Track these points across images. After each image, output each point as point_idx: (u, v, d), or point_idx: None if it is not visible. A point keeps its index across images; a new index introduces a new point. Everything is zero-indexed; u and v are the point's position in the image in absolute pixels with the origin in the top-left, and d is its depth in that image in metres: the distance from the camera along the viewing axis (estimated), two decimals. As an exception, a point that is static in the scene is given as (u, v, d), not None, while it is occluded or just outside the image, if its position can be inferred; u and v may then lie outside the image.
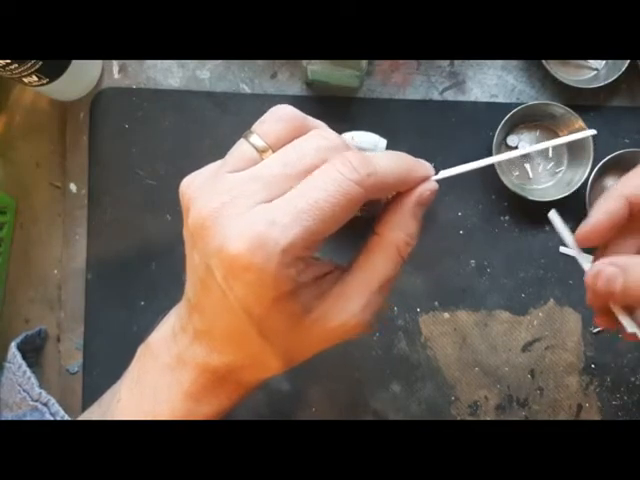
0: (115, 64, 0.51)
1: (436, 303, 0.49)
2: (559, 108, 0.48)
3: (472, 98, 0.51)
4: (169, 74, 0.51)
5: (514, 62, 0.51)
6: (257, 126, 0.28)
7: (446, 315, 0.49)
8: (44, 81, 0.45)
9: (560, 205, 0.48)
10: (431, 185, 0.29)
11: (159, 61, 0.51)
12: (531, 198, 0.48)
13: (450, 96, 0.51)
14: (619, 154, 0.48)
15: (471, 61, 0.51)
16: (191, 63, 0.51)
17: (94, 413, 0.35)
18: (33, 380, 0.42)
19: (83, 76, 0.49)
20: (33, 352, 0.48)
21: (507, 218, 0.50)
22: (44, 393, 0.41)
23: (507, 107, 0.48)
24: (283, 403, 0.48)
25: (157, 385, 0.30)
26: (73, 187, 0.50)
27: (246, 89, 0.51)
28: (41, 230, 0.51)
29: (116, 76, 0.51)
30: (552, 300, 0.49)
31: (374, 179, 0.26)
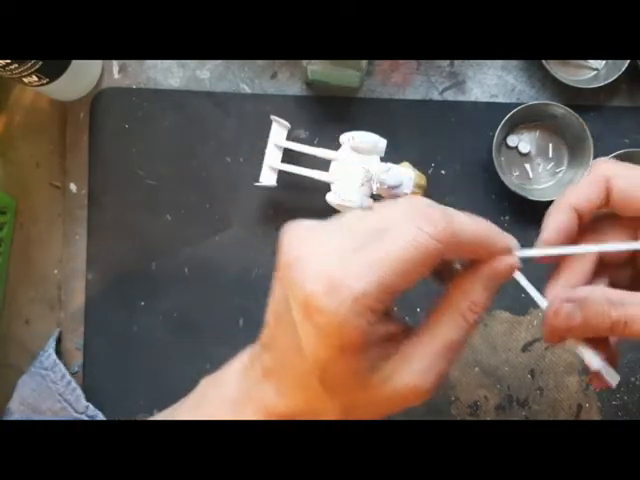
0: (115, 64, 0.51)
1: (436, 303, 0.49)
2: (559, 108, 0.48)
3: (472, 98, 0.51)
4: (169, 74, 0.51)
5: (514, 62, 0.51)
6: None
7: (446, 315, 0.49)
8: (44, 81, 0.45)
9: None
10: (510, 259, 0.29)
11: (159, 61, 0.51)
12: (531, 198, 0.48)
13: (450, 96, 0.51)
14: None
15: (471, 61, 0.51)
16: (191, 63, 0.51)
17: None
18: (79, 392, 0.42)
19: (83, 76, 0.49)
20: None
21: (507, 218, 0.50)
22: (92, 407, 0.41)
23: (507, 107, 0.48)
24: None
25: (217, 415, 0.30)
26: (73, 187, 0.50)
27: (246, 89, 0.51)
28: (41, 230, 0.51)
29: (116, 76, 0.51)
30: (552, 300, 0.49)
31: (451, 234, 0.26)
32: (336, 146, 0.46)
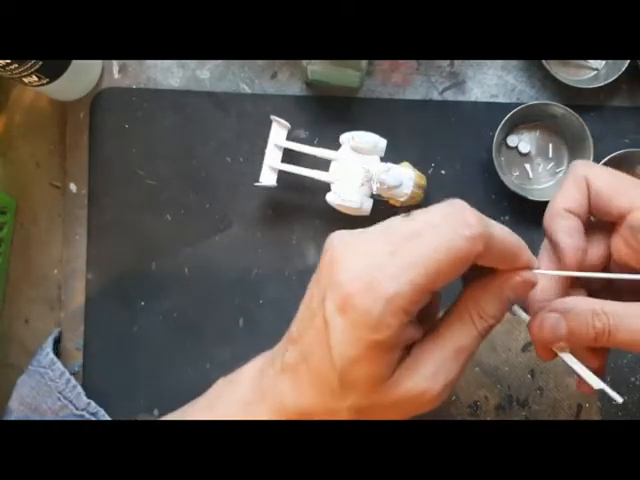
0: (115, 64, 0.51)
1: (436, 303, 0.49)
2: (559, 108, 0.48)
3: (472, 98, 0.51)
4: (169, 74, 0.51)
5: (514, 62, 0.51)
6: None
7: (446, 315, 0.49)
8: (44, 81, 0.45)
9: (560, 205, 0.49)
10: (529, 274, 0.29)
11: (159, 61, 0.51)
12: (531, 198, 0.48)
13: (450, 96, 0.51)
14: (619, 154, 0.48)
15: (471, 61, 0.51)
16: (191, 63, 0.51)
17: None
18: (79, 389, 0.41)
19: (83, 76, 0.49)
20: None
21: (507, 218, 0.50)
22: (93, 404, 0.41)
23: (507, 107, 0.48)
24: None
25: (230, 415, 0.30)
26: (73, 187, 0.50)
27: (246, 89, 0.51)
28: (41, 230, 0.51)
29: (116, 76, 0.51)
30: (552, 300, 0.49)
31: (486, 238, 0.26)
32: (336, 146, 0.46)
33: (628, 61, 0.48)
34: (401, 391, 0.27)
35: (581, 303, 0.29)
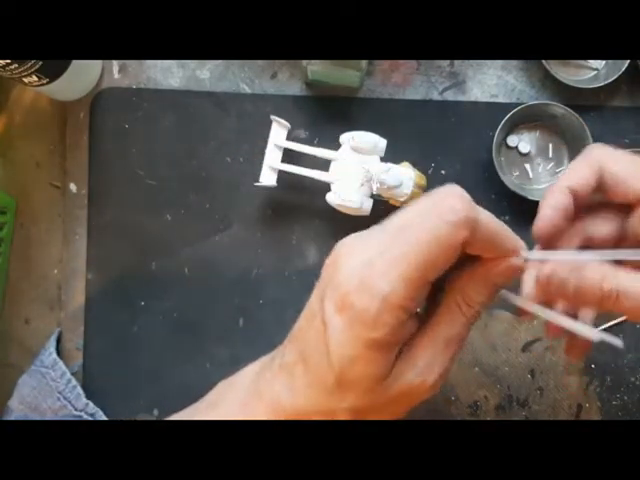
0: (115, 64, 0.51)
1: (436, 303, 0.49)
2: (559, 108, 0.48)
3: (472, 98, 0.51)
4: (169, 74, 0.51)
5: (514, 62, 0.51)
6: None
7: (446, 315, 0.49)
8: (44, 81, 0.45)
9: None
10: (516, 260, 0.29)
11: (159, 61, 0.51)
12: (531, 198, 0.48)
13: (450, 96, 0.51)
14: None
15: (471, 61, 0.51)
16: (191, 63, 0.51)
17: None
18: (79, 390, 0.42)
19: (83, 76, 0.49)
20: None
21: (507, 218, 0.50)
22: (91, 404, 0.41)
23: (507, 107, 0.48)
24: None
25: (228, 416, 0.30)
26: (73, 187, 0.50)
27: (246, 89, 0.51)
28: (41, 230, 0.51)
29: (116, 76, 0.51)
30: (552, 300, 0.49)
31: (471, 224, 0.26)
32: (336, 146, 0.46)
33: (628, 61, 0.48)
34: (397, 389, 0.27)
35: (594, 264, 0.28)
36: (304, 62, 0.46)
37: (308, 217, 0.49)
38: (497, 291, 0.30)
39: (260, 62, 0.51)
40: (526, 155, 0.51)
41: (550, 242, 0.31)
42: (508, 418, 0.49)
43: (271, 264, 0.49)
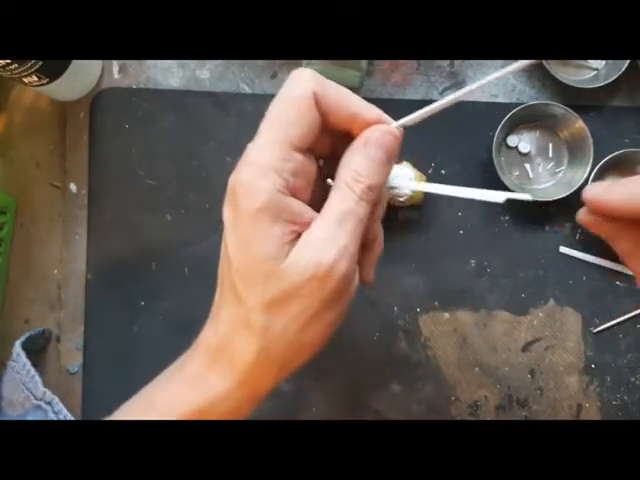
0: (115, 64, 0.51)
1: (436, 303, 0.49)
2: (559, 108, 0.48)
3: (472, 98, 0.51)
4: (169, 74, 0.51)
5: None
6: None
7: (446, 315, 0.49)
8: (44, 81, 0.45)
9: (560, 205, 0.49)
10: (384, 127, 0.30)
11: (159, 61, 0.51)
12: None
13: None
14: (619, 154, 0.48)
15: (471, 61, 0.51)
16: (191, 63, 0.51)
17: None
18: (37, 379, 0.42)
19: (83, 76, 0.49)
20: (37, 352, 0.48)
21: (507, 218, 0.50)
22: (48, 392, 0.41)
23: (507, 107, 0.48)
24: (283, 403, 0.48)
25: (172, 369, 0.33)
26: (73, 187, 0.50)
27: (246, 89, 0.51)
28: (41, 230, 0.51)
29: (116, 76, 0.51)
30: (552, 300, 0.49)
31: (318, 81, 0.28)
32: (336, 146, 0.46)
33: (628, 61, 0.48)
34: (297, 269, 0.27)
35: None
36: (304, 62, 0.46)
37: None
38: (384, 166, 0.30)
39: (260, 62, 0.51)
40: (526, 155, 0.51)
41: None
42: (508, 418, 0.49)
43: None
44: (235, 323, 0.29)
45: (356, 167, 0.29)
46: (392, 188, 0.45)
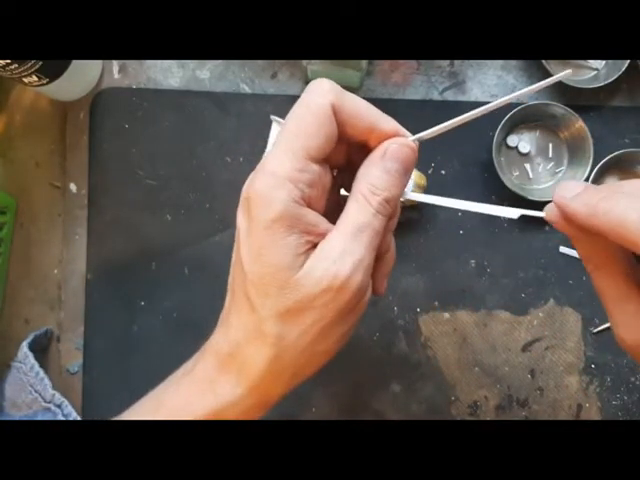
0: (115, 64, 0.51)
1: (436, 303, 0.49)
2: (559, 108, 0.48)
3: (472, 98, 0.51)
4: (169, 74, 0.51)
5: (514, 62, 0.51)
6: None
7: (446, 315, 0.49)
8: (44, 81, 0.45)
9: (560, 205, 0.49)
10: (401, 140, 0.30)
11: (159, 61, 0.51)
12: (531, 198, 0.48)
13: (450, 96, 0.51)
14: (619, 154, 0.48)
15: (471, 61, 0.51)
16: (191, 63, 0.51)
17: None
18: (46, 381, 0.42)
19: (83, 76, 0.49)
20: (39, 352, 0.48)
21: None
22: (58, 395, 0.41)
23: (507, 107, 0.48)
24: (283, 403, 0.48)
25: (183, 372, 0.32)
26: (73, 187, 0.50)
27: (246, 89, 0.51)
28: (41, 230, 0.51)
29: (116, 76, 0.51)
30: (552, 300, 0.50)
31: (337, 92, 0.28)
32: (336, 146, 0.46)
33: (628, 61, 0.48)
34: (312, 281, 0.27)
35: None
36: (304, 62, 0.46)
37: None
38: (401, 179, 0.29)
39: (260, 62, 0.51)
40: (526, 155, 0.51)
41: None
42: (508, 418, 0.49)
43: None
44: (248, 331, 0.28)
45: (373, 180, 0.29)
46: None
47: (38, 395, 0.42)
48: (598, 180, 0.50)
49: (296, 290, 0.27)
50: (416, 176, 0.46)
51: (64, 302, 0.50)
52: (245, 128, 0.50)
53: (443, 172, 0.50)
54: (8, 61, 0.40)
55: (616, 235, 0.24)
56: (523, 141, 0.50)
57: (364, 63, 0.46)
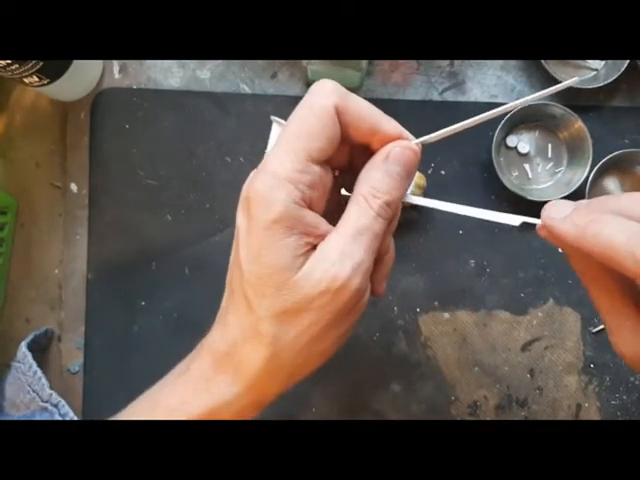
0: (115, 64, 0.51)
1: (436, 303, 0.49)
2: (559, 108, 0.48)
3: (472, 98, 0.51)
4: (169, 74, 0.51)
5: (514, 62, 0.51)
6: None
7: (446, 315, 0.49)
8: (45, 81, 0.45)
9: (560, 205, 0.49)
10: (405, 143, 0.30)
11: (159, 61, 0.51)
12: (530, 198, 0.48)
13: (450, 96, 0.51)
14: (619, 154, 0.48)
15: (471, 61, 0.51)
16: (191, 63, 0.51)
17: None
18: (44, 381, 0.42)
19: (84, 76, 0.49)
20: (39, 352, 0.48)
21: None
22: (55, 394, 0.41)
23: (507, 107, 0.48)
24: (283, 403, 0.48)
25: (179, 372, 0.33)
26: (74, 187, 0.50)
27: (246, 89, 0.51)
28: (42, 230, 0.51)
29: (116, 76, 0.51)
30: (551, 300, 0.50)
31: (341, 94, 0.28)
32: (336, 146, 0.46)
33: (628, 61, 0.48)
34: (311, 282, 0.27)
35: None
36: (304, 62, 0.46)
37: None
38: (403, 183, 0.29)
39: (260, 62, 0.51)
40: (525, 155, 0.51)
41: None
42: (508, 418, 0.49)
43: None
44: (245, 330, 0.29)
45: (375, 183, 0.28)
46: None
47: (36, 395, 0.42)
48: (597, 180, 0.50)
49: (294, 291, 0.27)
50: (416, 176, 0.46)
51: (65, 302, 0.50)
52: (245, 128, 0.50)
53: (443, 172, 0.50)
54: (9, 61, 0.40)
55: (604, 257, 0.24)
56: (522, 141, 0.50)
57: (364, 63, 0.46)
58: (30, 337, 0.46)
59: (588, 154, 0.48)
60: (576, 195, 0.48)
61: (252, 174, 0.28)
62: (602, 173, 0.49)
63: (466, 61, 0.51)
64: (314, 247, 0.28)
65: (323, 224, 0.28)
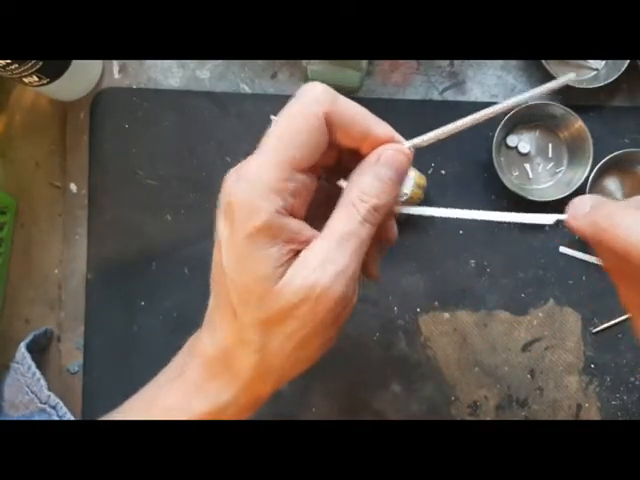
0: (115, 64, 0.51)
1: (436, 303, 0.49)
2: (559, 108, 0.48)
3: (472, 98, 0.51)
4: (169, 74, 0.51)
5: (514, 62, 0.51)
6: None
7: (446, 315, 0.49)
8: (44, 81, 0.45)
9: (560, 205, 0.49)
10: (395, 146, 0.29)
11: (159, 61, 0.51)
12: (531, 198, 0.48)
13: (450, 96, 0.51)
14: (619, 154, 0.48)
15: (471, 61, 0.51)
16: (191, 63, 0.51)
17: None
18: (42, 382, 0.42)
19: (83, 76, 0.49)
20: (38, 352, 0.48)
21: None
22: (53, 396, 0.41)
23: (507, 107, 0.48)
24: (283, 403, 0.48)
25: (167, 376, 0.33)
26: (73, 187, 0.50)
27: (246, 89, 0.51)
28: (41, 230, 0.51)
29: (116, 76, 0.51)
30: (552, 300, 0.50)
31: (330, 98, 0.28)
32: (336, 146, 0.46)
33: (628, 61, 0.48)
34: (292, 288, 0.26)
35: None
36: (304, 62, 0.46)
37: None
38: (394, 187, 0.29)
39: (260, 62, 0.51)
40: (526, 155, 0.51)
41: None
42: (508, 418, 0.49)
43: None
44: (232, 336, 0.28)
45: (363, 186, 0.28)
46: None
47: (34, 396, 0.42)
48: (597, 180, 0.50)
49: (276, 300, 0.27)
50: (416, 176, 0.46)
51: (64, 302, 0.50)
52: (245, 128, 0.50)
53: (443, 172, 0.50)
54: (8, 61, 0.40)
55: (624, 251, 0.24)
56: (523, 141, 0.50)
57: (364, 63, 0.46)
58: (30, 337, 0.46)
59: (588, 154, 0.48)
60: (577, 195, 0.48)
61: (231, 174, 0.27)
62: (603, 173, 0.49)
63: (466, 61, 0.51)
64: (297, 253, 0.27)
65: (306, 230, 0.28)
